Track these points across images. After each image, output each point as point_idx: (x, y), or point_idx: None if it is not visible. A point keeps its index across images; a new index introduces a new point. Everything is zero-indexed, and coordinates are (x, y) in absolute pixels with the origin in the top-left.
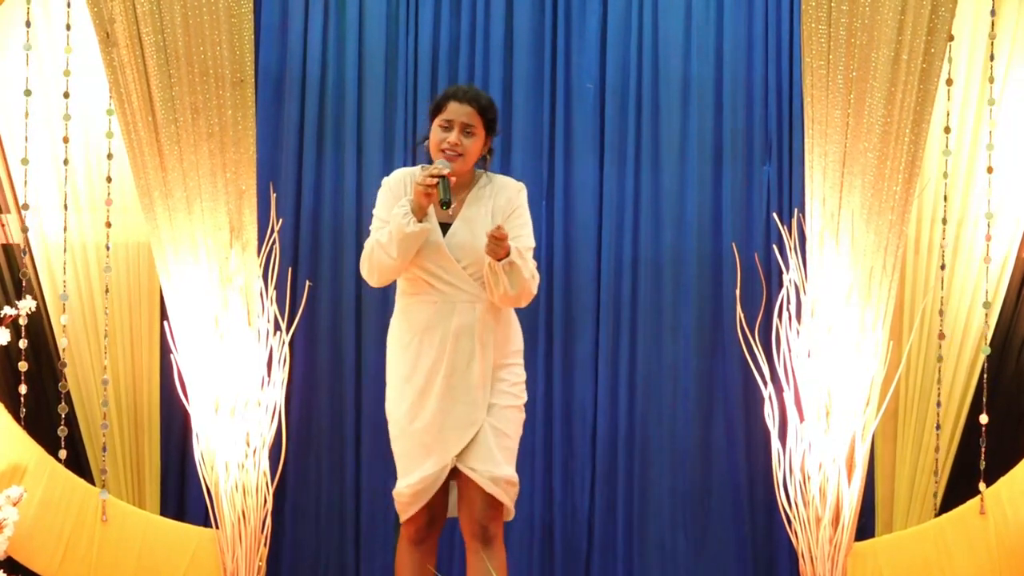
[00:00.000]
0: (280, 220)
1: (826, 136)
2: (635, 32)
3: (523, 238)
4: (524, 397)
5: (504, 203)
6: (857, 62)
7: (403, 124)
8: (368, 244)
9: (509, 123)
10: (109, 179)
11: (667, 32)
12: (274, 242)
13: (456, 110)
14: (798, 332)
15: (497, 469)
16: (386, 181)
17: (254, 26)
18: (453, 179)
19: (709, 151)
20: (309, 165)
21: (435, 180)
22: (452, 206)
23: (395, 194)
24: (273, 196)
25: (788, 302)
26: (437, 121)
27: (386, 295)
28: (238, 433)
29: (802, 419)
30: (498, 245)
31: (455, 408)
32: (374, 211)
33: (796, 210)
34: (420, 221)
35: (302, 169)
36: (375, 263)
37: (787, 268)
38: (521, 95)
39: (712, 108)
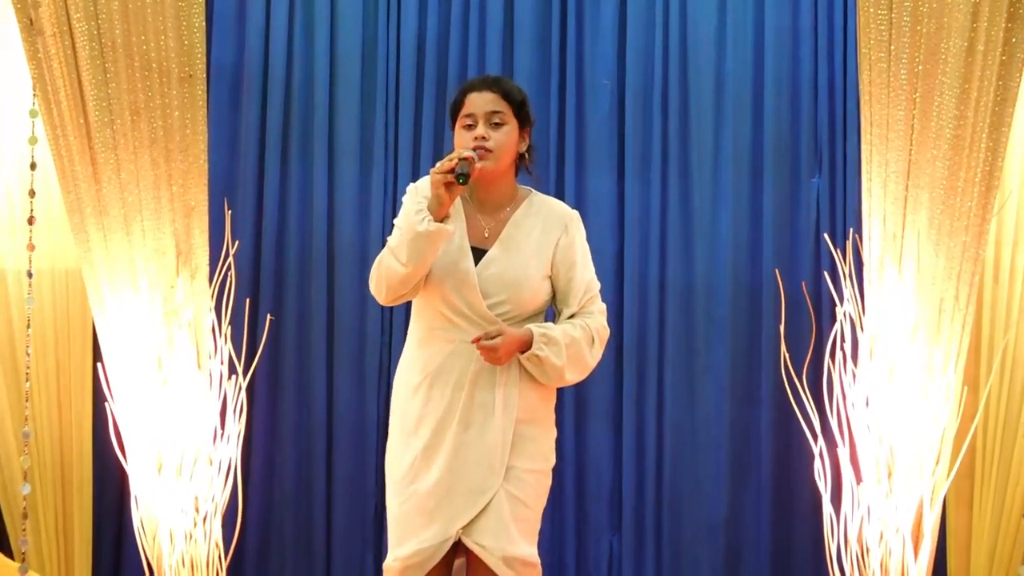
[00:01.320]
0: (236, 242)
1: (887, 142)
2: (660, 19)
3: (575, 281)
4: (553, 460)
5: (553, 239)
6: (924, 54)
7: (383, 129)
8: (379, 256)
9: None
10: (32, 193)
11: (697, 19)
12: (229, 268)
13: (476, 101)
14: (854, 376)
15: (512, 547)
16: (414, 187)
17: (206, 12)
18: (478, 165)
19: (747, 161)
20: (271, 177)
21: (454, 162)
22: (487, 231)
23: (418, 199)
24: (228, 213)
25: (842, 340)
26: (459, 122)
27: (363, 333)
28: (185, 497)
29: (859, 480)
30: (491, 354)
31: (466, 470)
32: (395, 220)
33: (851, 230)
34: (441, 222)
35: (263, 181)
36: (383, 271)
37: (840, 299)
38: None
39: (751, 110)
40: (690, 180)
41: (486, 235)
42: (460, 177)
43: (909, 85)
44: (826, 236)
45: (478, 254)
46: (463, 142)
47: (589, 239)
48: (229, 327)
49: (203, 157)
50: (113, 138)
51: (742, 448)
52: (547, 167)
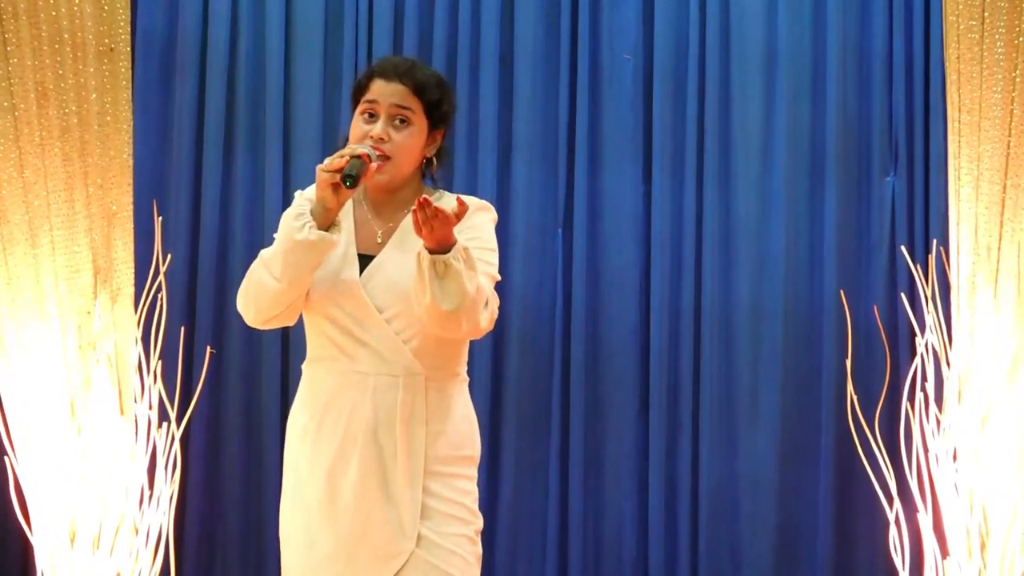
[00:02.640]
0: (169, 256)
1: (979, 132)
2: None
3: (485, 263)
4: (478, 521)
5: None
6: None
7: (350, 115)
8: (251, 266)
9: (508, 116)
10: None
11: None
12: (159, 289)
13: (381, 90)
14: (938, 424)
15: None
16: (300, 195)
17: None
18: (373, 166)
19: (805, 157)
20: (212, 174)
21: (345, 160)
22: (380, 236)
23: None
24: (158, 220)
25: (923, 379)
26: (359, 107)
27: None
28: (105, 573)
29: (945, 553)
30: (428, 219)
31: (370, 532)
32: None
33: (935, 242)
34: (326, 231)
35: (201, 180)
36: (252, 286)
37: (921, 329)
38: (526, 74)
39: (808, 94)
40: (733, 180)
41: (379, 240)
42: (346, 179)
43: (1007, 61)
44: (903, 249)
45: (366, 262)
46: (359, 135)
47: (606, 257)
48: (159, 363)
49: (127, 150)
50: (15, 127)
51: (796, 515)
52: (554, 167)
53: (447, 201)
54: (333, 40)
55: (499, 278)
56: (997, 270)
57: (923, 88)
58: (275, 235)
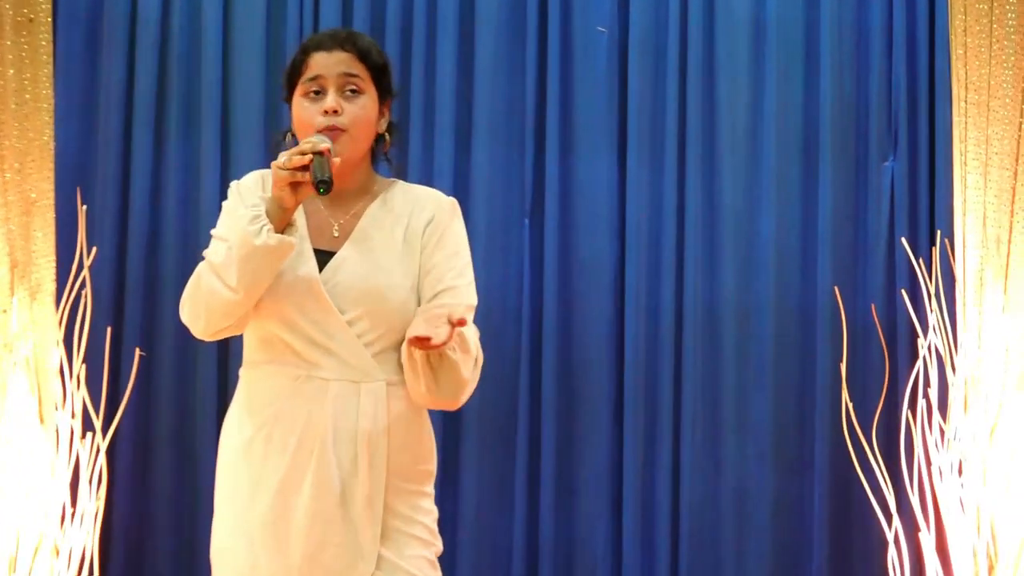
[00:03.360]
0: (94, 250)
1: (987, 113)
2: None
3: (458, 290)
4: (438, 544)
5: (422, 226)
6: None
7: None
8: (195, 272)
9: (468, 94)
10: None
11: None
12: (83, 286)
13: (324, 62)
14: (942, 434)
15: None
16: (236, 186)
17: None
18: (336, 160)
19: (796, 141)
20: (141, 159)
21: (307, 158)
22: (336, 229)
23: (246, 201)
24: (82, 209)
25: (925, 384)
26: (299, 89)
27: None
28: None
29: (949, 575)
30: (428, 339)
31: (324, 554)
32: (214, 229)
33: (939, 233)
34: (282, 232)
35: (130, 165)
36: (202, 295)
37: (924, 329)
38: (488, 47)
39: (801, 71)
40: (718, 166)
41: (335, 234)
42: (321, 185)
43: (1019, 35)
44: (904, 241)
45: (324, 258)
46: (308, 117)
47: (577, 250)
48: (83, 367)
49: (48, 132)
50: None
51: (787, 534)
52: (520, 150)
53: (412, 193)
54: (276, 10)
55: (475, 301)
56: (1007, 264)
57: (927, 65)
58: (214, 233)
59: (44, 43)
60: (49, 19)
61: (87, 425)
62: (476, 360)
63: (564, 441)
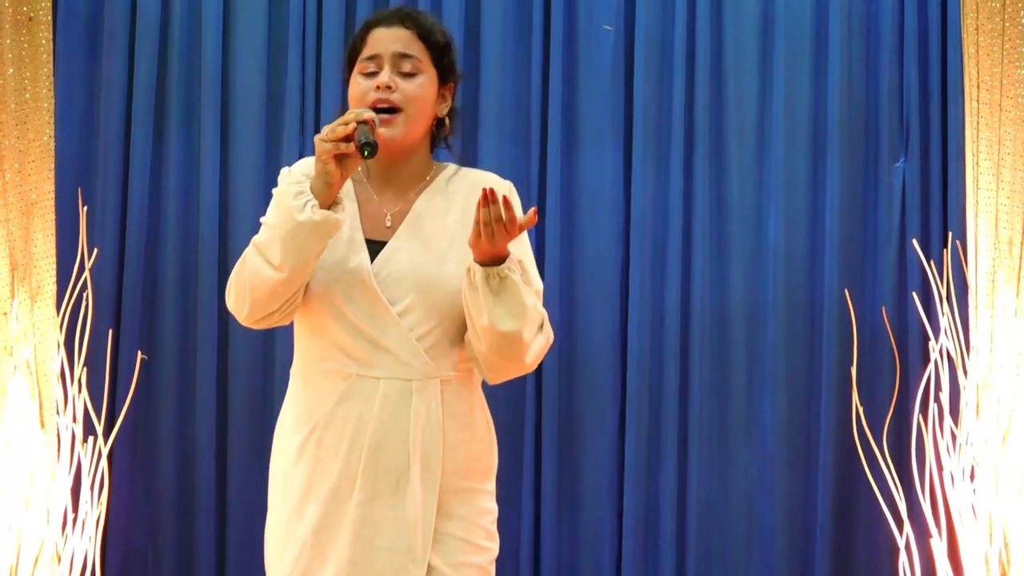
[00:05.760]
0: (95, 251)
1: (1000, 113)
2: None
3: (529, 275)
4: (495, 547)
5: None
6: None
7: (298, 89)
8: (242, 256)
9: (474, 92)
10: None
11: None
12: (85, 288)
13: (381, 38)
14: (954, 438)
15: None
16: (284, 172)
17: None
18: (382, 131)
19: (805, 139)
20: (141, 158)
21: (351, 127)
22: (389, 219)
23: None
24: (83, 211)
25: (937, 388)
26: (357, 67)
27: (268, 376)
28: None
29: None
30: (495, 220)
31: (375, 560)
32: (262, 218)
33: (950, 236)
34: (328, 209)
35: (129, 165)
36: (247, 277)
37: (935, 333)
38: (494, 45)
39: (810, 67)
40: (725, 165)
41: (388, 224)
42: (365, 148)
43: None
44: (915, 243)
45: (377, 249)
46: (360, 92)
47: (582, 249)
48: (84, 370)
49: (48, 131)
50: None
51: (795, 538)
52: (526, 147)
53: (473, 181)
54: (277, 9)
55: (541, 286)
56: (1020, 267)
57: (939, 63)
58: (263, 220)
59: (44, 42)
60: (49, 18)
61: (88, 429)
62: (542, 321)
63: (567, 444)
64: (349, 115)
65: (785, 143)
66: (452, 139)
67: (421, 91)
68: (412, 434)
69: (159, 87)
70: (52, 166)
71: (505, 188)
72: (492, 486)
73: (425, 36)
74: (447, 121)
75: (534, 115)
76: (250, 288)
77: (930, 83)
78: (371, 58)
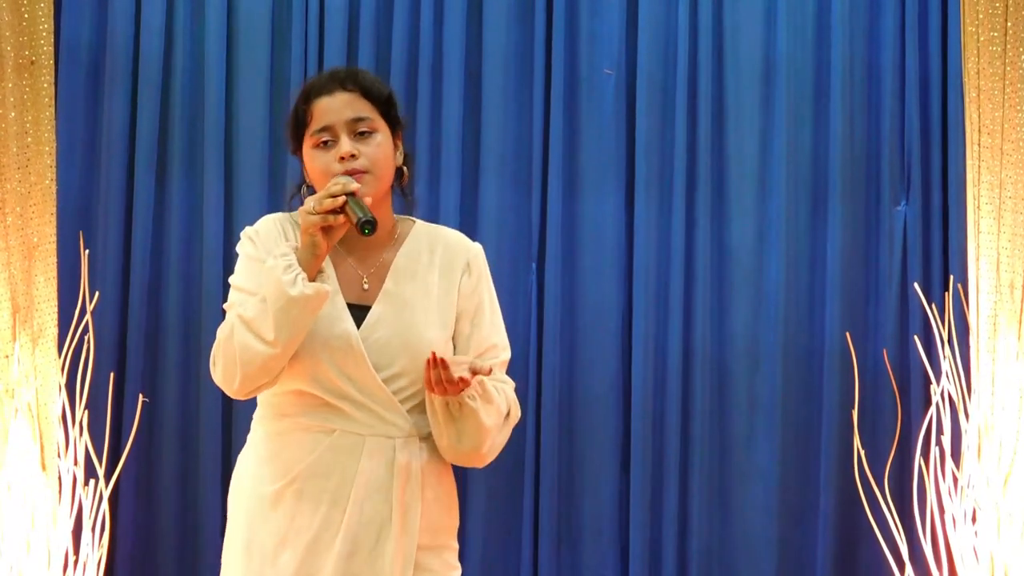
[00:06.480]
0: (96, 294)
1: (1001, 156)
2: None
3: (497, 348)
4: None
5: (455, 282)
6: None
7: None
8: (223, 329)
9: (475, 135)
10: None
11: None
12: (86, 331)
13: (328, 108)
14: (955, 482)
15: None
16: (254, 233)
17: None
18: (368, 200)
19: (806, 182)
20: (144, 202)
21: (340, 200)
22: (365, 281)
23: (266, 249)
24: (85, 253)
25: (938, 432)
26: (308, 143)
27: None
28: None
29: None
30: (442, 382)
31: None
32: (231, 278)
33: (952, 279)
34: (313, 280)
35: (132, 209)
36: (236, 354)
37: (936, 376)
38: (495, 88)
39: (811, 111)
40: (727, 209)
41: (365, 287)
42: (366, 226)
43: None
44: (916, 287)
45: (356, 313)
46: (324, 166)
47: (584, 295)
48: (86, 413)
49: (50, 175)
50: None
51: None
52: (527, 192)
53: (436, 235)
54: (279, 52)
55: (509, 354)
56: (1021, 311)
57: (939, 107)
58: (235, 284)
59: (46, 85)
60: (51, 61)
61: (90, 472)
62: (507, 413)
63: (569, 488)
64: (334, 187)
65: (786, 187)
66: (408, 187)
67: (381, 150)
68: (395, 489)
69: (161, 130)
70: (54, 209)
71: (476, 252)
72: (456, 543)
73: (369, 94)
74: (404, 169)
75: (535, 158)
76: (241, 364)
77: (931, 127)
78: (323, 129)
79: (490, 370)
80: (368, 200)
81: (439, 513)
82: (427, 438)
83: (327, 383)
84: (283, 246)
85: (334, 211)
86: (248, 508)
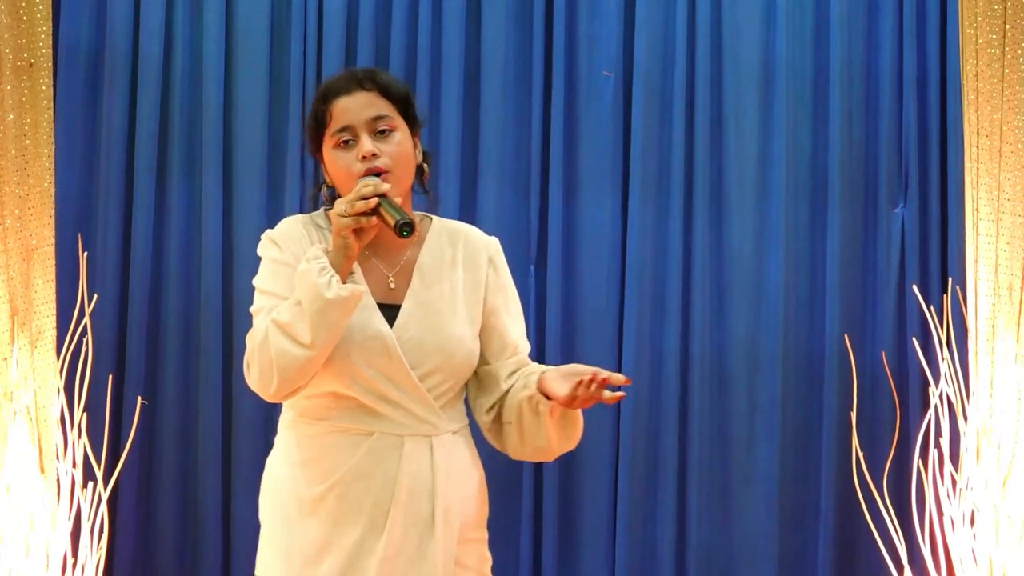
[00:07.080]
0: (95, 297)
1: (999, 159)
2: None
3: (524, 339)
4: None
5: (481, 280)
6: None
7: (298, 136)
8: (255, 334)
9: (474, 137)
10: None
11: None
12: (85, 333)
13: (348, 107)
14: (954, 484)
15: None
16: (271, 236)
17: None
18: (399, 199)
19: (805, 185)
20: (143, 204)
21: (373, 201)
22: (392, 280)
23: (292, 252)
24: (83, 256)
25: (937, 434)
26: (328, 143)
27: (270, 422)
28: None
29: None
30: (591, 396)
31: None
32: (256, 281)
33: (950, 281)
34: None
35: (132, 211)
36: (272, 358)
37: (935, 378)
38: (494, 91)
39: (810, 114)
40: (725, 210)
41: (391, 286)
42: (404, 228)
43: None
44: (915, 289)
45: (386, 312)
46: (346, 166)
47: (582, 298)
48: (84, 415)
49: (48, 177)
50: None
51: None
52: (526, 195)
53: (453, 231)
54: (279, 53)
55: (529, 346)
56: (1020, 312)
57: (938, 109)
58: (260, 287)
59: (44, 88)
60: (49, 64)
61: (88, 474)
62: None
63: (568, 491)
64: (365, 189)
65: (785, 189)
66: (429, 184)
67: (402, 148)
68: (437, 487)
69: (161, 132)
70: (52, 212)
71: (496, 247)
72: (486, 533)
73: (388, 93)
74: (424, 167)
75: (534, 160)
76: (278, 368)
77: (929, 129)
78: (343, 129)
79: (627, 380)
80: (399, 200)
81: (474, 508)
82: (458, 432)
83: (364, 383)
84: (314, 249)
85: (366, 213)
86: (287, 514)
